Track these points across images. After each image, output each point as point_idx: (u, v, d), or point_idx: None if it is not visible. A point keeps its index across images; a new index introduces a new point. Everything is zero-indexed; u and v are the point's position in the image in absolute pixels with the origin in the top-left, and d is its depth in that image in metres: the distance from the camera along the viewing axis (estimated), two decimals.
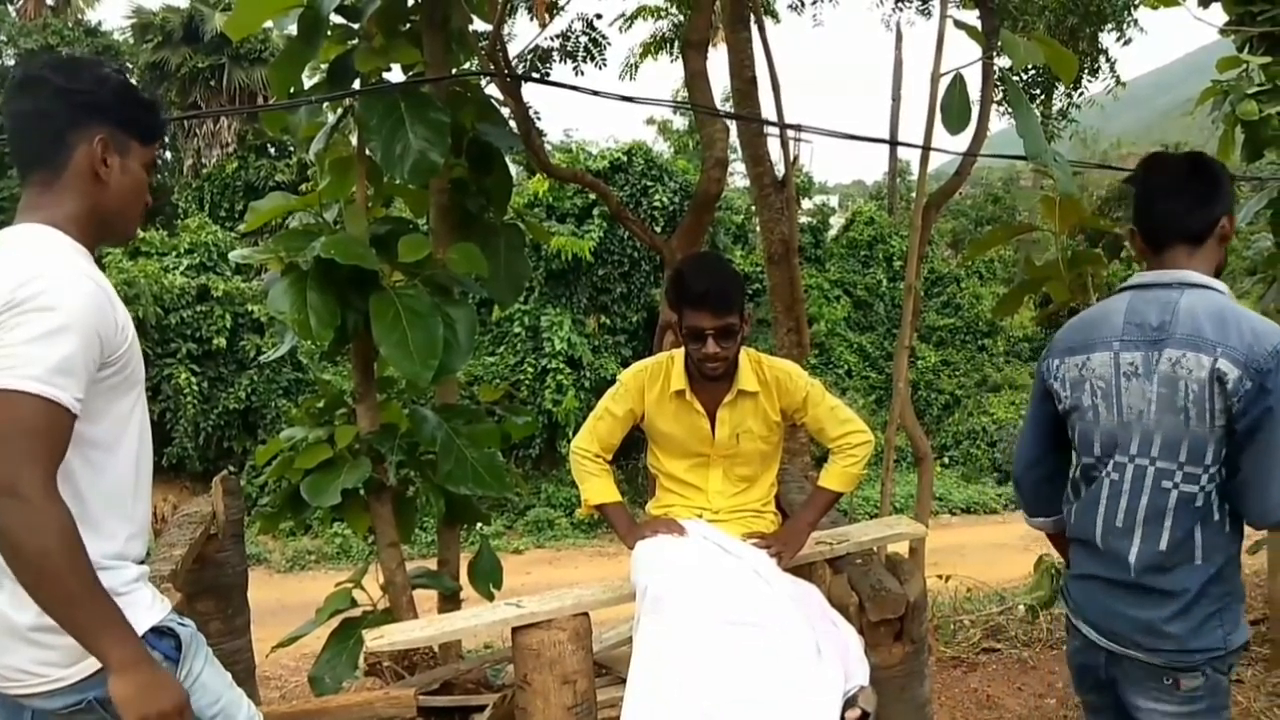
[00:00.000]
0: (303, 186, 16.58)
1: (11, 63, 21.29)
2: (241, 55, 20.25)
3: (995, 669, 4.27)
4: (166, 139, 24.07)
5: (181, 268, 14.96)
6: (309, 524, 12.38)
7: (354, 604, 3.56)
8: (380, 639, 2.56)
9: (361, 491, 3.42)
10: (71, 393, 1.50)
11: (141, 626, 1.63)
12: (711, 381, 2.65)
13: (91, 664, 1.58)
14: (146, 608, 1.69)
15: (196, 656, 1.76)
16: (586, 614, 2.57)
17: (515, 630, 2.51)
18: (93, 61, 1.76)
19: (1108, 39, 9.59)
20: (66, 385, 1.49)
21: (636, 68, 10.70)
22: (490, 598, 3.64)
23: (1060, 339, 2.23)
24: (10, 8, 23.20)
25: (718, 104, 5.42)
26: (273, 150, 20.94)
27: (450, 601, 3.77)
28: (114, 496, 1.68)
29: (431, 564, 3.97)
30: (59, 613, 1.48)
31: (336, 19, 3.26)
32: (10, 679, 1.61)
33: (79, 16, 23.80)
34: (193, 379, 14.19)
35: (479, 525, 4.15)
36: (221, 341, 14.63)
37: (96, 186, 1.69)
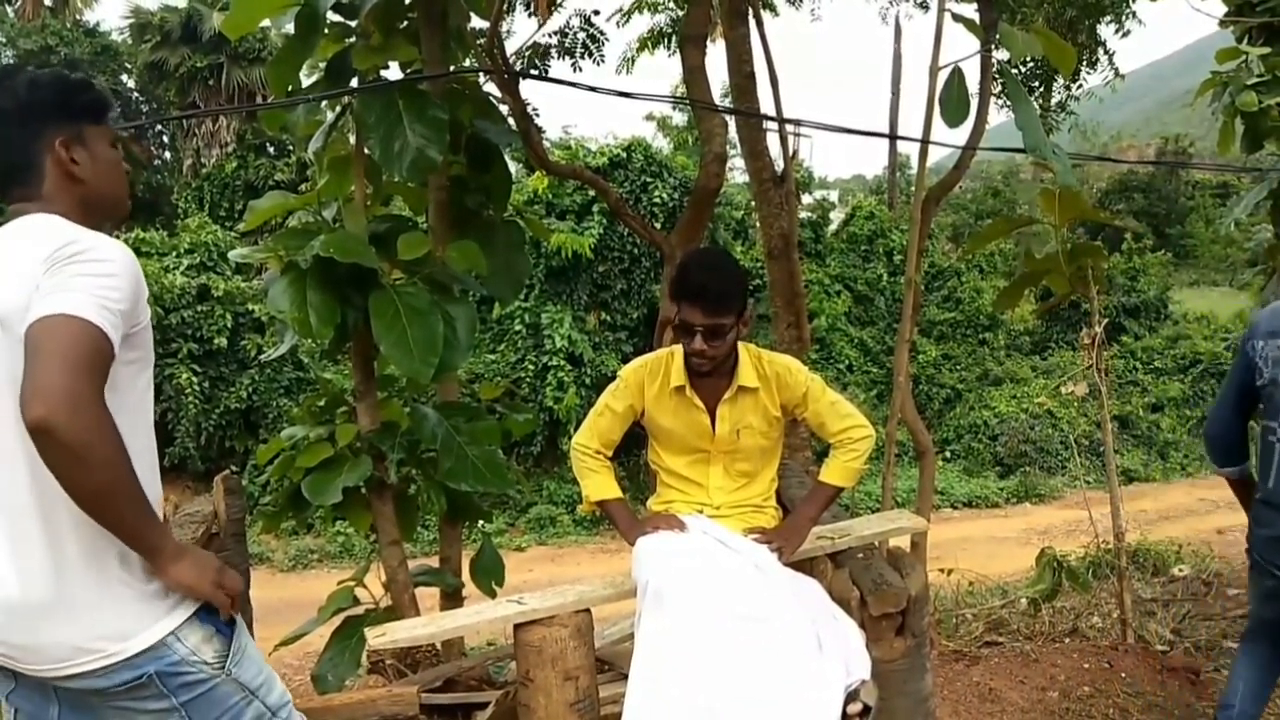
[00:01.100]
0: (302, 185, 16.59)
1: (10, 64, 21.26)
2: (240, 54, 20.24)
3: (997, 662, 4.27)
4: (166, 139, 24.15)
5: (182, 267, 14.94)
6: (311, 522, 12.38)
7: (356, 602, 3.57)
8: (383, 636, 2.57)
9: (363, 489, 3.43)
10: (115, 335, 1.57)
11: (194, 604, 1.70)
12: (710, 377, 2.64)
13: (148, 637, 1.63)
14: None
15: (243, 632, 1.82)
16: (588, 610, 2.57)
17: (517, 627, 2.51)
18: (15, 68, 1.79)
19: (1106, 31, 9.57)
20: (114, 325, 1.56)
21: (634, 62, 10.68)
22: (492, 595, 3.65)
23: (1263, 323, 2.72)
24: (9, 8, 23.19)
25: (716, 99, 5.41)
26: (272, 149, 20.93)
27: (452, 599, 3.78)
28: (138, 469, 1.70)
29: (433, 561, 3.98)
30: (117, 515, 1.55)
31: (334, 17, 3.26)
32: (56, 659, 1.62)
33: (77, 17, 23.80)
34: (194, 379, 14.18)
35: (480, 522, 4.16)
36: (222, 341, 14.62)
37: (75, 184, 1.76)
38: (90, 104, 1.81)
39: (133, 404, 1.71)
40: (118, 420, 1.56)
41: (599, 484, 2.76)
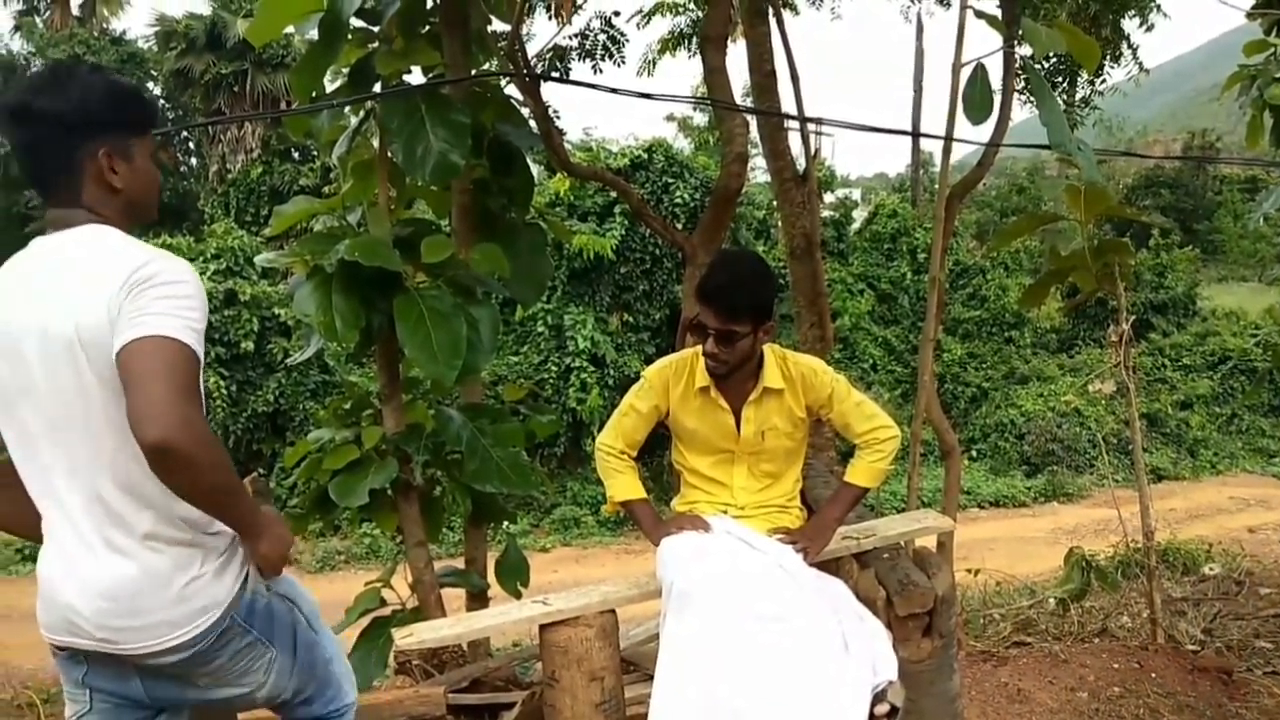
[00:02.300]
0: (326, 190, 16.71)
1: None
2: (264, 61, 20.43)
3: (1026, 663, 4.23)
4: (192, 145, 24.40)
5: (209, 272, 15.09)
6: (338, 524, 12.47)
7: (383, 603, 3.59)
8: (409, 637, 2.58)
9: (389, 491, 3.45)
10: (200, 352, 1.70)
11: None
12: (731, 379, 2.64)
13: (230, 592, 1.82)
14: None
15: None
16: (613, 611, 2.58)
17: (543, 627, 2.52)
18: (70, 70, 1.82)
19: (1130, 25, 9.47)
20: (199, 344, 1.69)
21: (655, 64, 10.69)
22: (517, 595, 3.66)
23: None
24: (38, 19, 23.52)
25: (737, 99, 5.40)
26: (297, 155, 21.11)
27: (478, 599, 3.80)
28: None
29: (459, 563, 3.99)
30: (226, 507, 1.74)
31: (357, 22, 3.28)
32: (157, 636, 1.76)
33: (104, 26, 24.12)
34: (221, 382, 14.32)
35: (505, 524, 4.18)
36: (249, 345, 14.76)
37: (113, 193, 1.82)
38: (139, 116, 1.87)
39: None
40: None
41: (623, 484, 2.76)
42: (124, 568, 1.74)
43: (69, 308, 1.67)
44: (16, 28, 22.79)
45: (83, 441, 1.73)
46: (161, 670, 1.83)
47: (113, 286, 1.66)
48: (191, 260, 15.14)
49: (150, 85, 23.44)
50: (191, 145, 24.81)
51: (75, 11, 24.50)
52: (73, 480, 1.75)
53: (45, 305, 1.70)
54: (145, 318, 1.63)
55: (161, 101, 23.81)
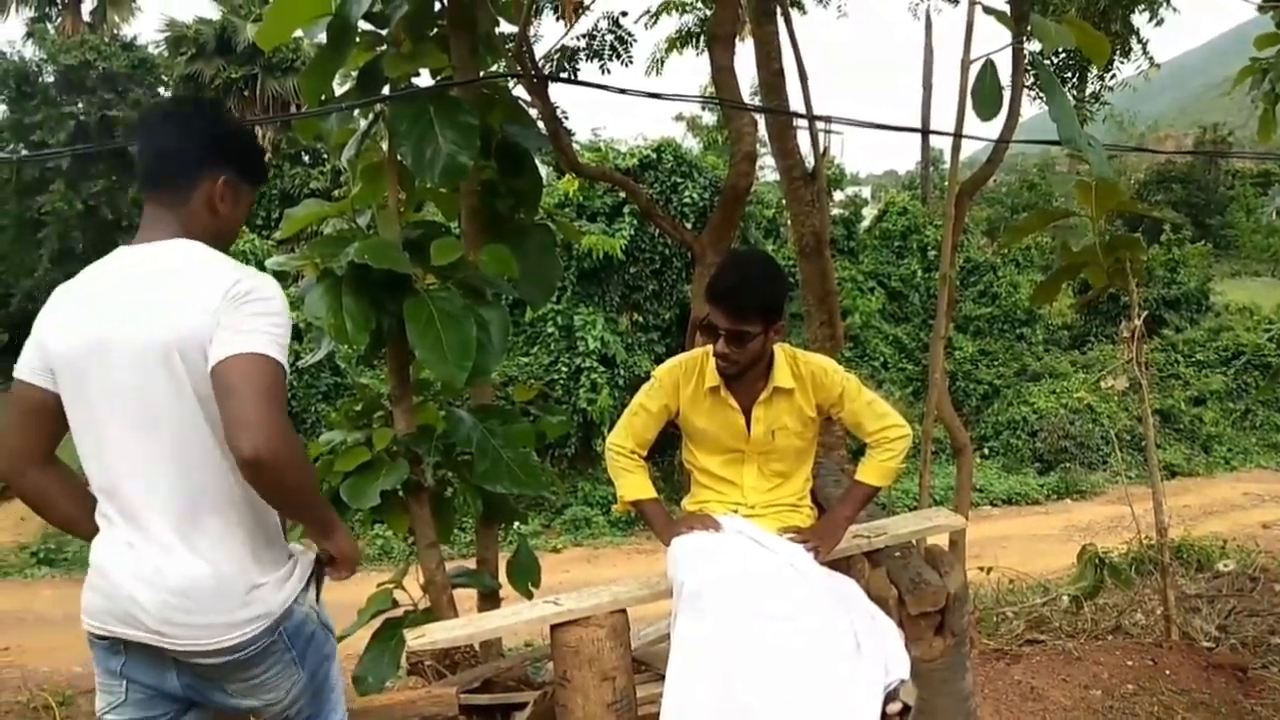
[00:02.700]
0: (335, 193, 16.75)
1: (51, 79, 21.72)
2: (274, 65, 20.49)
3: (1039, 661, 4.22)
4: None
5: None
6: (349, 526, 12.49)
7: (395, 604, 3.60)
8: (421, 638, 2.59)
9: (400, 493, 3.46)
10: (287, 366, 1.84)
11: (308, 569, 2.03)
12: (742, 379, 2.64)
13: (284, 603, 1.92)
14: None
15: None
16: (624, 611, 2.58)
17: (554, 628, 2.53)
18: (228, 109, 2.13)
19: (1140, 19, 9.41)
20: (286, 359, 1.84)
21: (663, 63, 10.68)
22: (529, 596, 3.66)
23: None
24: (50, 25, 23.65)
25: (745, 97, 5.40)
26: (307, 158, 21.17)
27: (490, 600, 3.80)
28: None
29: (471, 563, 4.00)
30: (309, 510, 1.94)
31: (365, 26, 3.29)
32: (213, 636, 1.85)
33: (115, 32, 24.22)
34: None
35: (516, 524, 4.18)
36: None
37: (212, 216, 1.99)
38: (259, 173, 2.13)
39: None
40: None
41: (634, 484, 2.76)
42: (197, 567, 1.83)
43: (166, 316, 1.80)
44: (29, 34, 22.90)
45: (168, 445, 1.84)
46: (202, 669, 1.90)
47: (211, 300, 1.80)
48: None
49: (161, 90, 23.55)
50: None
51: (86, 18, 24.62)
52: (153, 481, 1.84)
53: (139, 312, 1.81)
54: (241, 334, 1.77)
55: None
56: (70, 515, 2.00)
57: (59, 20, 23.88)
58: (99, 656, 1.96)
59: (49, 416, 1.91)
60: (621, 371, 15.21)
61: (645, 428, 2.75)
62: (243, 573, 1.88)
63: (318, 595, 2.08)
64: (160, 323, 1.79)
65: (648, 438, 2.77)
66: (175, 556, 1.83)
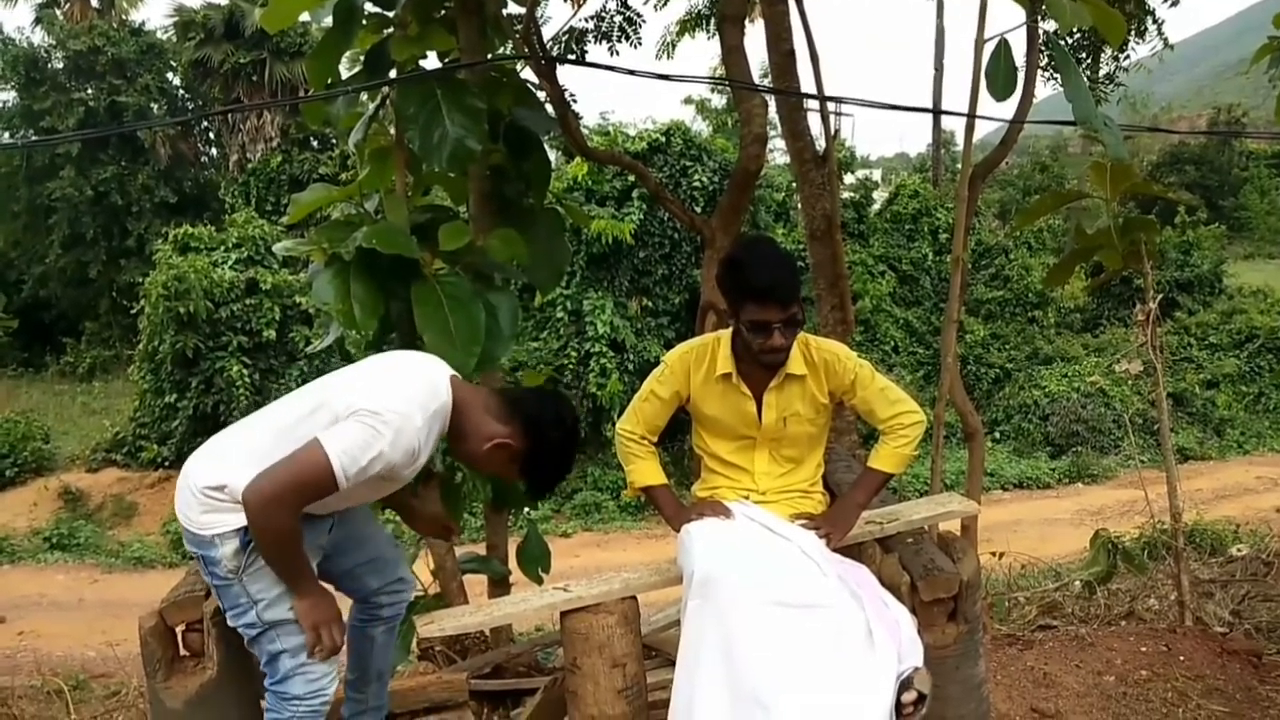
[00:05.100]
0: (343, 177, 16.75)
1: (60, 65, 21.74)
2: (282, 50, 20.47)
3: (1052, 646, 4.19)
4: (212, 135, 24.52)
5: (230, 262, 15.17)
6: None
7: None
8: (432, 624, 2.59)
9: None
10: None
11: (239, 528, 2.20)
12: (756, 364, 2.61)
13: (207, 528, 2.21)
14: None
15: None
16: (634, 597, 2.57)
17: (564, 614, 2.52)
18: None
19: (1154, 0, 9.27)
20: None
21: (674, 46, 10.59)
22: (539, 581, 3.66)
23: None
24: (57, 11, 23.64)
25: (756, 79, 5.35)
26: (316, 144, 21.17)
27: (500, 586, 3.80)
28: None
29: (481, 549, 4.00)
30: (278, 569, 2.22)
31: (371, 8, 3.27)
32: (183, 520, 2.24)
33: (123, 17, 24.21)
34: (244, 371, 14.42)
35: (526, 510, 4.17)
36: (271, 333, 14.84)
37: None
38: (544, 488, 2.50)
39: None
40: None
41: (644, 470, 2.74)
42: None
43: None
44: (37, 20, 22.92)
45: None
46: None
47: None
48: (212, 250, 15.25)
49: (169, 76, 23.55)
50: (211, 135, 24.90)
51: (94, 3, 24.59)
52: None
53: None
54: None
55: (181, 92, 23.94)
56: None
57: (67, 6, 23.86)
58: None
59: None
60: (631, 356, 15.19)
61: (656, 414, 2.73)
62: (204, 491, 2.22)
63: (252, 557, 2.24)
64: None
65: (658, 424, 2.76)
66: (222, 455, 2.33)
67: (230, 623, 2.30)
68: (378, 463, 2.13)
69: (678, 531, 2.61)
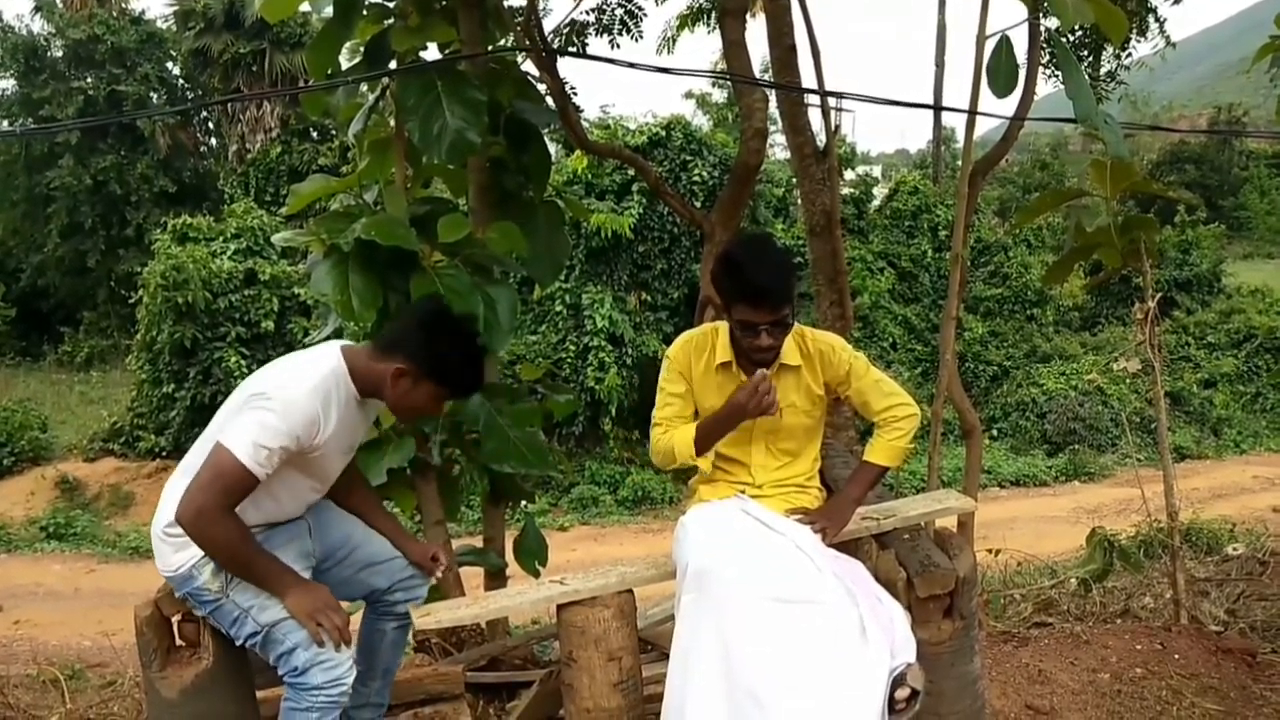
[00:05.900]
0: (343, 168, 16.72)
1: (60, 53, 21.67)
2: (282, 40, 20.42)
3: (1047, 644, 4.20)
4: (211, 125, 24.47)
5: (229, 252, 15.15)
6: None
7: None
8: (428, 617, 2.59)
9: (407, 470, 3.45)
10: None
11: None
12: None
13: (178, 565, 2.32)
14: None
15: None
16: (631, 591, 2.57)
17: (560, 607, 2.52)
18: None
19: None
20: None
21: (674, 41, 10.57)
22: (536, 575, 3.66)
23: None
24: None
25: (756, 74, 5.34)
26: (315, 134, 21.13)
27: (496, 579, 3.80)
28: None
29: (478, 542, 4.00)
30: (245, 575, 2.30)
31: None
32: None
33: (123, 6, 24.11)
34: (242, 361, 14.40)
35: (523, 503, 4.17)
36: (269, 324, 14.82)
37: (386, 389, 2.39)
38: (464, 385, 2.52)
39: None
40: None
41: (683, 437, 2.61)
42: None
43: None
44: (37, 8, 22.83)
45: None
46: None
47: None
48: (211, 240, 15.22)
49: (169, 65, 23.48)
50: (211, 125, 24.85)
51: None
52: None
53: None
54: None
55: (181, 81, 23.88)
56: None
57: None
58: None
59: None
60: (629, 351, 15.19)
61: (681, 410, 2.68)
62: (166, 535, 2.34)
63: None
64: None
65: (687, 415, 2.71)
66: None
67: (237, 642, 2.35)
68: (280, 438, 2.18)
69: (743, 416, 2.51)
